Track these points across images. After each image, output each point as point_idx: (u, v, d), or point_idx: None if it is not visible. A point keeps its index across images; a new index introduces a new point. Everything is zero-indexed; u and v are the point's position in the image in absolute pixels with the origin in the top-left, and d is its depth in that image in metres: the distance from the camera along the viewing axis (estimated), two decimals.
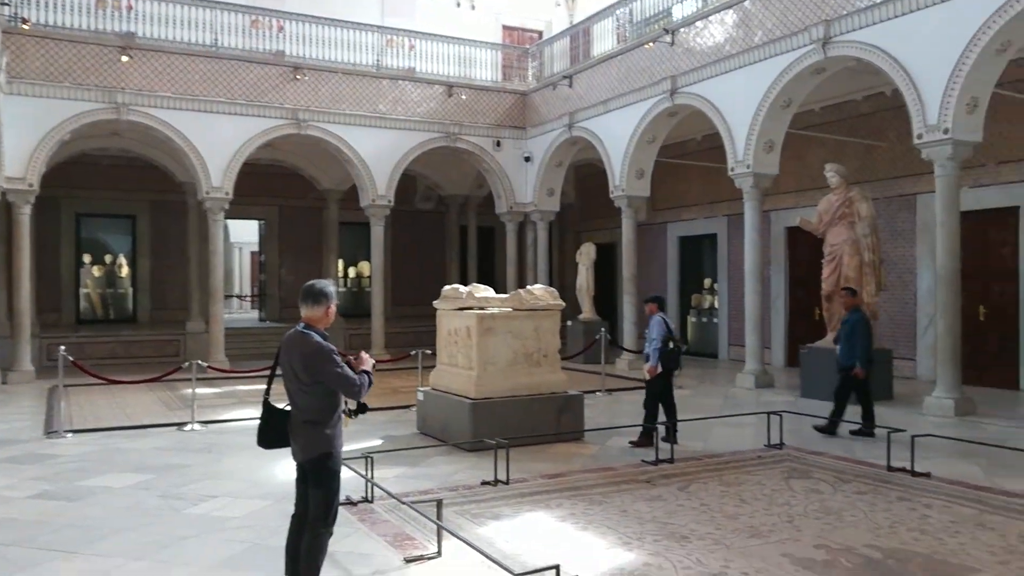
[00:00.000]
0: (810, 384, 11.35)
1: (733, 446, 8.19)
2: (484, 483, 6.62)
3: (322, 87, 16.05)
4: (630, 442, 8.22)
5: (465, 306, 8.70)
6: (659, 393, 8.47)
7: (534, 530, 5.46)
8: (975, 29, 9.27)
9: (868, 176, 13.31)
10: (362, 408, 4.27)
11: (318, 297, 4.12)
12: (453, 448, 7.99)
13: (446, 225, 22.07)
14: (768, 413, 8.32)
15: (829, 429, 8.76)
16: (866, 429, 8.64)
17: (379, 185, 16.64)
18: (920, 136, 9.93)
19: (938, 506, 5.94)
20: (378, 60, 17.08)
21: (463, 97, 17.51)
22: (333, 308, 4.18)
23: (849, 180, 11.52)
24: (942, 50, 9.60)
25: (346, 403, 4.21)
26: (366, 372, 4.12)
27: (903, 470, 6.87)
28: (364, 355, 4.23)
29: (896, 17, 10.16)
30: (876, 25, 10.38)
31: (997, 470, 7.00)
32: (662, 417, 8.45)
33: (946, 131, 9.62)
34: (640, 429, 8.29)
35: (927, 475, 6.77)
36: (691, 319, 18.36)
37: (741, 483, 6.71)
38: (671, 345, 8.40)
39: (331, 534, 4.14)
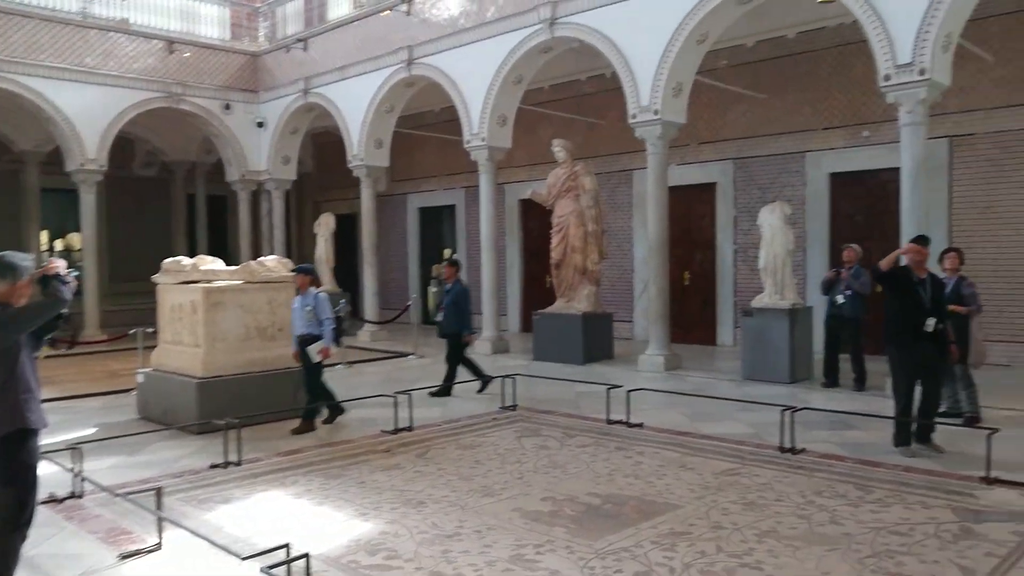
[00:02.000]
0: (542, 347, 12.05)
1: (470, 410, 8.46)
2: (213, 466, 6.26)
3: (14, 34, 14.03)
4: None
5: (190, 280, 8.13)
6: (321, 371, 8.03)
7: (268, 510, 5.26)
8: (679, 20, 10.19)
9: (592, 152, 14.21)
10: (58, 324, 3.93)
11: (3, 271, 3.69)
12: (178, 432, 7.44)
13: (171, 193, 20.32)
14: (503, 376, 8.69)
15: (445, 391, 9.28)
16: (445, 390, 9.33)
17: (89, 148, 14.96)
18: (634, 116, 10.77)
19: (649, 452, 6.56)
20: (84, 8, 15.24)
21: (186, 55, 16.21)
22: (25, 283, 3.73)
23: (575, 155, 12.26)
24: (652, 37, 10.45)
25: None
26: (57, 277, 3.76)
27: (621, 422, 7.52)
28: (51, 260, 3.92)
29: (614, 3, 10.86)
30: (597, 9, 11.05)
31: (698, 417, 7.87)
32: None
33: (656, 112, 10.53)
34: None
35: (640, 425, 7.45)
36: (431, 289, 18.58)
37: (477, 445, 6.95)
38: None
39: (25, 537, 3.70)
